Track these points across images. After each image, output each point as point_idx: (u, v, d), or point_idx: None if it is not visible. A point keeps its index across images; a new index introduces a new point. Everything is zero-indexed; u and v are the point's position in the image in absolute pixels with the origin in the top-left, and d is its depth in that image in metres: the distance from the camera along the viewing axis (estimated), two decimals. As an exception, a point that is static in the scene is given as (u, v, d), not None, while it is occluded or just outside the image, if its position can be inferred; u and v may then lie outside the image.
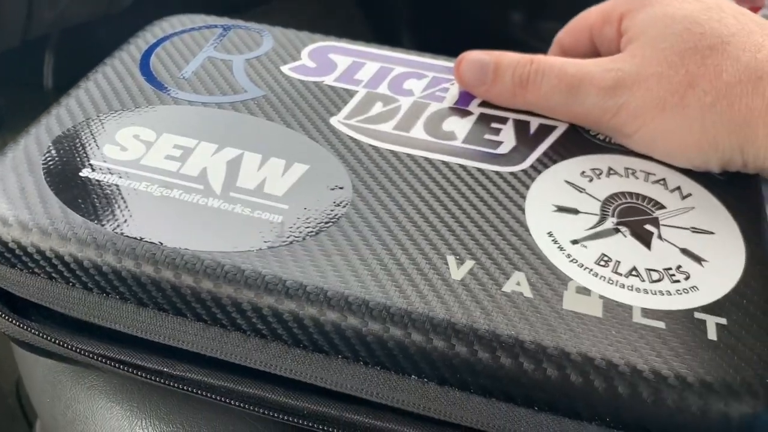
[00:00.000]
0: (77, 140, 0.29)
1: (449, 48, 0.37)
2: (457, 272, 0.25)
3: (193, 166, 0.28)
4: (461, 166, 0.30)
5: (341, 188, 0.28)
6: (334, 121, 0.32)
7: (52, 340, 0.27)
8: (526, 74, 0.31)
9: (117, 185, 0.28)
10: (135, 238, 0.26)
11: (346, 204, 0.28)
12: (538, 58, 0.32)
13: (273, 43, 0.36)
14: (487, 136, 0.31)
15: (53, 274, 0.26)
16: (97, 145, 0.29)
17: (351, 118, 0.32)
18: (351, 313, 0.24)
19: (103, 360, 0.27)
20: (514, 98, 0.32)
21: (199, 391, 0.26)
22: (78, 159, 0.29)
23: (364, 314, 0.24)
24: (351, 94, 0.33)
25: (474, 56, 0.33)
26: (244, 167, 0.29)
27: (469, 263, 0.26)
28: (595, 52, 0.34)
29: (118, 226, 0.26)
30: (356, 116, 0.32)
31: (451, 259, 0.26)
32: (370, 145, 0.30)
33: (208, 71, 0.34)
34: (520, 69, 0.31)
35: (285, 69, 0.35)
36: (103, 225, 0.26)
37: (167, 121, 0.31)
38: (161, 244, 0.25)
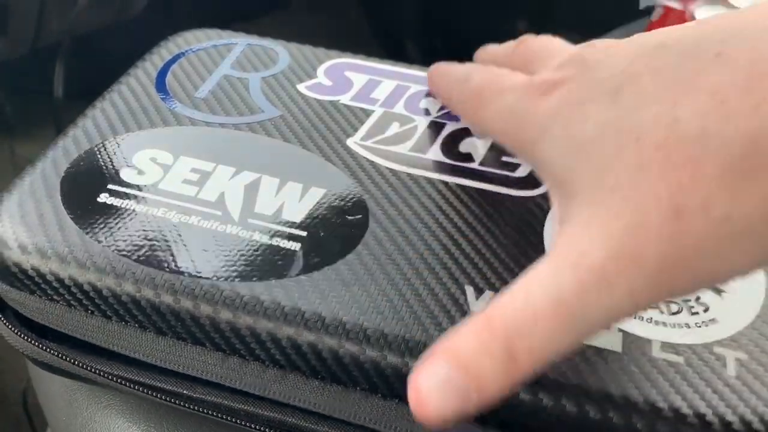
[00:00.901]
0: (94, 163, 0.29)
1: (455, 57, 0.36)
2: (476, 303, 0.25)
3: (211, 191, 0.28)
4: (478, 190, 0.30)
5: (359, 214, 0.28)
6: (350, 142, 0.32)
7: (71, 360, 0.27)
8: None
9: (135, 211, 0.28)
10: (154, 267, 0.26)
11: (364, 230, 0.27)
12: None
13: (289, 60, 0.36)
14: (504, 158, 0.31)
15: (72, 302, 0.26)
16: (114, 169, 0.29)
17: (368, 139, 0.32)
18: (369, 345, 0.24)
19: (121, 381, 0.27)
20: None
21: (217, 414, 0.26)
22: (95, 183, 0.29)
23: (382, 346, 0.24)
24: (367, 113, 0.33)
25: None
26: (261, 192, 0.29)
27: (488, 294, 0.26)
28: None
29: (136, 254, 0.26)
30: (373, 137, 0.32)
31: (469, 290, 0.26)
32: (388, 168, 0.30)
33: (225, 90, 0.34)
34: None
35: (301, 87, 0.34)
36: (121, 253, 0.26)
37: (184, 143, 0.31)
38: (180, 272, 0.25)
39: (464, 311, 0.25)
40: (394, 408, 0.24)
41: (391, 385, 0.24)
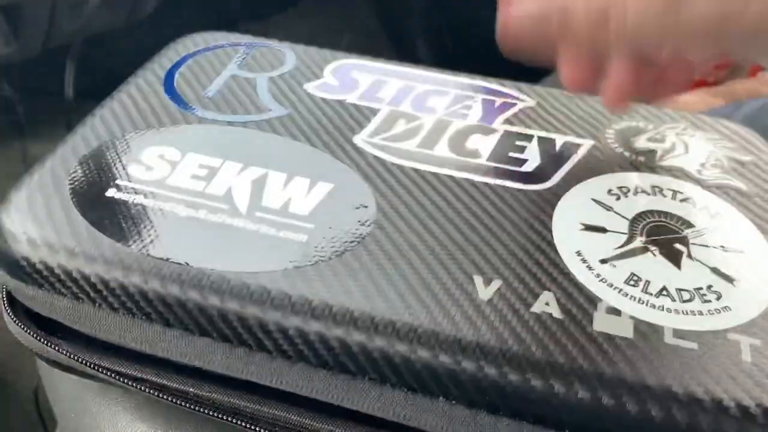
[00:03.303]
0: (102, 160, 0.30)
1: (465, 56, 0.36)
2: (485, 292, 0.25)
3: (218, 186, 0.28)
4: (486, 184, 0.30)
5: (366, 207, 0.28)
6: (357, 139, 0.32)
7: (78, 359, 0.27)
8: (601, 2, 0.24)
9: (143, 205, 0.28)
10: (161, 259, 0.25)
11: (371, 223, 0.27)
12: None
13: (296, 61, 0.36)
14: (511, 154, 0.31)
15: (80, 295, 0.26)
16: (122, 165, 0.29)
17: (374, 137, 0.32)
18: (378, 334, 0.24)
19: (129, 381, 0.27)
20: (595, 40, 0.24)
21: (223, 416, 0.26)
22: (103, 179, 0.29)
23: (390, 335, 0.24)
24: (374, 112, 0.33)
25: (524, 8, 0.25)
26: (269, 186, 0.29)
27: (497, 283, 0.25)
28: None
29: (144, 246, 0.26)
30: (380, 134, 0.32)
31: (478, 279, 0.25)
32: (394, 164, 0.30)
33: (232, 90, 0.34)
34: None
35: (308, 87, 0.35)
36: (129, 246, 0.26)
37: (192, 140, 0.31)
38: (188, 264, 0.25)
39: (473, 300, 0.25)
40: (403, 397, 0.24)
41: (400, 374, 0.24)
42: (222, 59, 0.36)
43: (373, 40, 1.05)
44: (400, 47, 1.03)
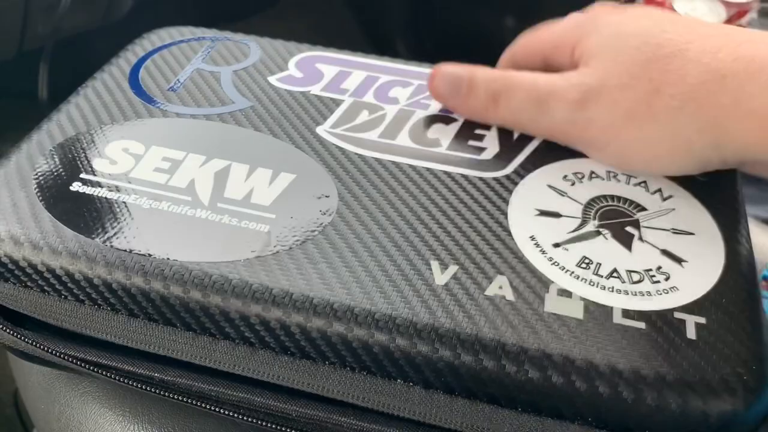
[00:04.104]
0: (67, 155, 0.30)
1: (443, 52, 0.37)
2: (441, 277, 0.26)
3: (181, 178, 0.29)
4: (445, 172, 0.30)
5: (327, 197, 0.29)
6: (320, 130, 0.32)
7: (46, 349, 0.27)
8: (498, 89, 0.31)
9: (107, 198, 0.28)
10: (125, 251, 0.26)
11: (332, 212, 0.28)
12: (511, 73, 0.32)
13: (260, 54, 0.37)
14: (471, 143, 0.32)
15: (45, 288, 0.27)
16: (87, 159, 0.30)
17: (337, 127, 0.32)
18: (337, 319, 0.25)
19: (96, 368, 0.27)
20: (486, 113, 0.32)
21: (189, 400, 0.27)
22: (68, 173, 0.29)
23: (349, 320, 0.24)
24: (337, 103, 0.34)
25: (448, 69, 0.33)
26: (231, 178, 0.29)
27: (453, 268, 0.26)
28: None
29: (108, 238, 0.26)
30: (342, 125, 0.33)
31: (435, 264, 0.26)
32: (356, 154, 0.31)
33: (197, 83, 0.34)
34: (494, 84, 0.32)
35: (272, 80, 0.35)
36: (93, 238, 0.26)
37: (156, 133, 0.31)
38: (150, 255, 0.26)
39: (429, 285, 0.25)
40: (362, 380, 0.25)
41: (359, 358, 0.25)
42: (186, 53, 0.36)
43: (351, 39, 1.05)
44: (378, 45, 1.03)
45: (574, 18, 0.32)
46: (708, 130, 0.27)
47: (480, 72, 0.32)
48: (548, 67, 0.33)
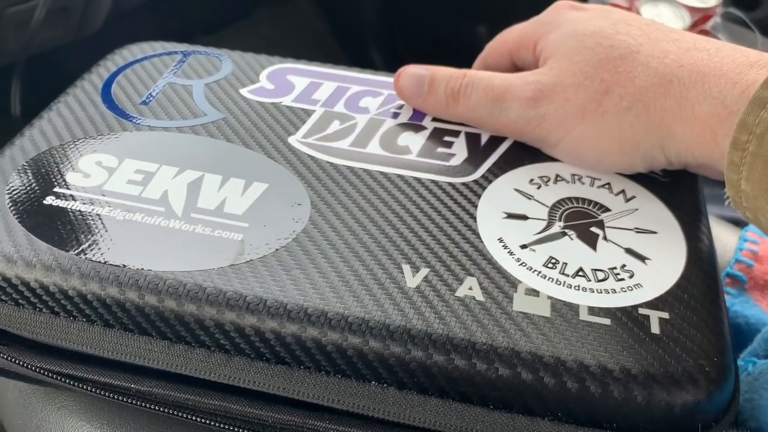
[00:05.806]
0: (41, 169, 0.30)
1: (417, 60, 0.38)
2: (413, 280, 0.26)
3: (154, 190, 0.29)
4: (416, 178, 0.31)
5: (300, 205, 0.29)
6: (292, 140, 0.33)
7: (22, 363, 0.28)
8: (457, 87, 0.33)
9: (80, 211, 0.28)
10: (99, 262, 0.26)
11: (305, 220, 0.29)
12: (470, 72, 0.33)
13: (232, 67, 0.37)
14: (440, 150, 0.33)
15: (20, 301, 0.27)
16: (60, 173, 0.30)
17: (309, 137, 0.33)
18: (310, 324, 0.25)
19: (72, 381, 0.27)
20: (446, 110, 0.34)
21: (166, 410, 0.27)
22: (42, 187, 0.29)
23: (323, 325, 0.25)
24: (309, 113, 0.34)
25: (411, 70, 0.35)
26: (204, 188, 0.30)
27: (424, 271, 0.27)
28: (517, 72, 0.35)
29: (82, 250, 0.27)
30: (314, 135, 0.33)
31: (406, 268, 0.27)
32: (328, 162, 0.32)
33: (169, 97, 0.35)
34: (453, 82, 0.33)
35: (244, 92, 0.36)
36: (67, 250, 0.27)
37: (129, 147, 0.32)
38: (125, 266, 0.26)
39: (401, 288, 0.26)
40: (337, 383, 0.25)
41: (333, 361, 0.25)
42: (158, 67, 0.37)
43: (326, 49, 1.06)
44: (353, 54, 1.04)
45: (537, 17, 0.34)
46: (653, 130, 0.29)
47: (440, 71, 0.34)
48: (515, 65, 0.35)
